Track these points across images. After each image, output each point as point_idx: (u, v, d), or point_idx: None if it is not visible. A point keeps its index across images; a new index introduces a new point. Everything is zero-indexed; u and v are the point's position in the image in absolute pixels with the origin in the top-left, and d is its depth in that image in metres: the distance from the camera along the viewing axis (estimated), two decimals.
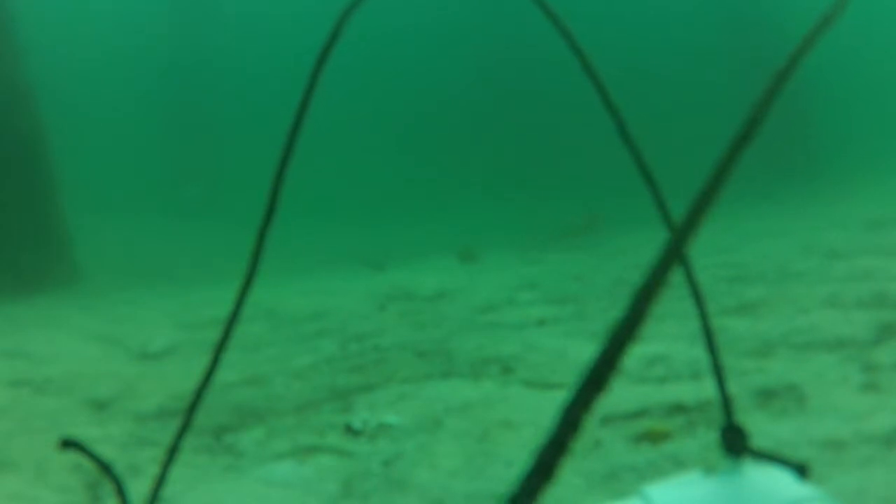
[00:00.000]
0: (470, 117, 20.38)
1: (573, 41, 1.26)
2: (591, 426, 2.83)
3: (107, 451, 2.97)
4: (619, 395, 3.13)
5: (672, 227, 1.21)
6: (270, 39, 24.88)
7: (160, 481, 1.21)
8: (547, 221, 11.66)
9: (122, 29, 23.15)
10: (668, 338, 3.95)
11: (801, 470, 1.07)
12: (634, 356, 3.68)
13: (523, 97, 19.77)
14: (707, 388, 3.03)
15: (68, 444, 1.24)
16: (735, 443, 1.15)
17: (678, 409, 2.87)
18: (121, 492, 1.23)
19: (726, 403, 1.22)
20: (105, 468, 1.23)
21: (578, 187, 14.32)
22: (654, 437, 2.62)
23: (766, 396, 2.88)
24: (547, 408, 3.10)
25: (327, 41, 1.25)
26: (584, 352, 3.90)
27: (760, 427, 2.56)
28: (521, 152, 18.00)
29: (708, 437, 2.57)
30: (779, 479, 1.06)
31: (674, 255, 0.50)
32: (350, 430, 3.05)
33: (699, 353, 3.57)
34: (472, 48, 21.93)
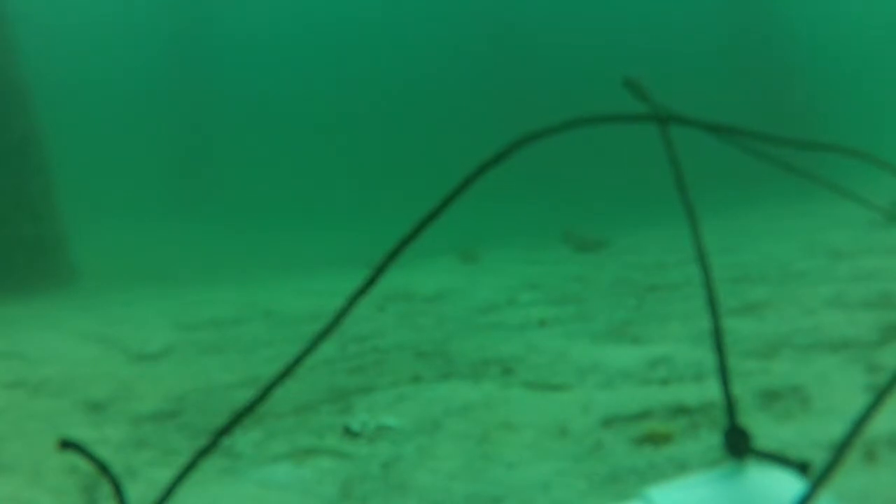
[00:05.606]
0: (472, 117, 20.35)
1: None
2: (592, 428, 2.80)
3: (103, 453, 2.94)
4: (622, 396, 3.10)
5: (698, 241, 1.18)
6: (270, 40, 24.85)
7: (169, 491, 1.18)
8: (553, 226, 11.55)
9: (120, 29, 23.15)
10: (671, 339, 3.93)
11: (805, 470, 1.04)
12: (637, 358, 3.65)
13: (527, 96, 19.75)
14: (710, 390, 2.99)
15: (67, 444, 1.21)
16: (738, 445, 1.13)
17: (681, 410, 2.84)
18: (119, 493, 1.21)
19: (730, 405, 1.20)
20: (103, 469, 1.20)
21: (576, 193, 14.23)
22: (656, 439, 2.58)
23: (770, 398, 2.84)
24: (548, 409, 3.07)
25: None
26: (586, 353, 3.87)
27: (764, 429, 2.53)
28: (525, 154, 17.96)
29: (711, 439, 2.54)
30: (782, 481, 1.04)
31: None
32: (349, 432, 3.02)
33: (702, 354, 3.54)
34: (480, 48, 21.89)
